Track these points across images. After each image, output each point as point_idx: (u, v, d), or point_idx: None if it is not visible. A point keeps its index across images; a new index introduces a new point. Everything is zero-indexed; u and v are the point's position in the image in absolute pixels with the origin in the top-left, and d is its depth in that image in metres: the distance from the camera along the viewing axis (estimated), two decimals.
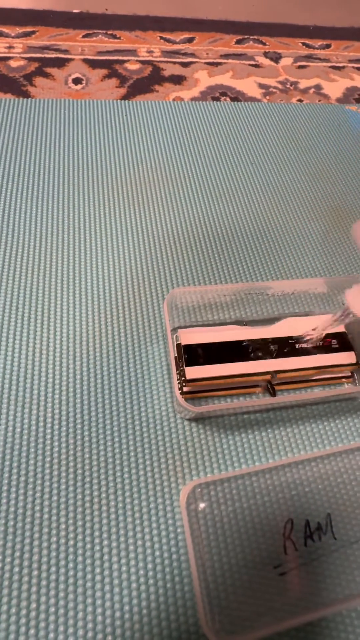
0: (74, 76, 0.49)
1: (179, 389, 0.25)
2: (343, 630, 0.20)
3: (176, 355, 0.26)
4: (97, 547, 0.21)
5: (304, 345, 0.27)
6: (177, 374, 0.25)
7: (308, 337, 0.27)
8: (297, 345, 0.27)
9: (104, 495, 0.22)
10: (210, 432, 0.25)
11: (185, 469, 0.24)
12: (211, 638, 0.19)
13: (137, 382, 0.26)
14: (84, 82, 0.48)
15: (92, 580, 0.20)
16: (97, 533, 0.21)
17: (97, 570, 0.20)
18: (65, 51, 0.53)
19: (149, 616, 0.20)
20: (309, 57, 0.61)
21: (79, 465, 0.23)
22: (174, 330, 0.27)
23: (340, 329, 0.28)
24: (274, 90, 0.54)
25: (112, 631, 0.19)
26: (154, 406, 0.26)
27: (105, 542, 0.21)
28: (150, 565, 0.21)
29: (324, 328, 0.26)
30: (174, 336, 0.27)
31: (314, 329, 0.27)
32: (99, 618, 0.19)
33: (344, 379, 0.27)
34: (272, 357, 0.26)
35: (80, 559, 0.21)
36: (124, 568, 0.21)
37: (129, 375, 0.27)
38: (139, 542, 0.21)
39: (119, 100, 0.46)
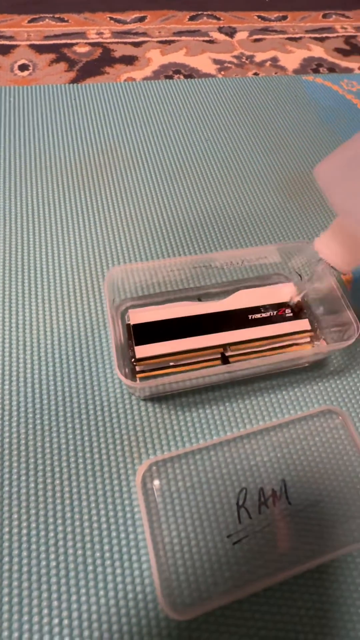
0: (20, 63, 0.47)
1: (131, 368, 0.24)
2: (304, 591, 0.20)
3: (126, 335, 0.25)
4: (52, 534, 0.21)
5: (259, 316, 0.26)
6: (130, 353, 0.24)
7: (289, 302, 0.27)
8: (250, 317, 0.26)
9: (57, 482, 0.22)
10: (167, 410, 0.25)
11: (141, 449, 0.23)
12: (169, 613, 0.19)
13: (90, 367, 0.26)
14: (30, 68, 0.47)
15: (47, 567, 0.20)
16: (51, 520, 0.21)
17: (52, 556, 0.20)
18: (11, 37, 0.51)
19: (106, 597, 0.19)
20: (264, 30, 0.60)
21: (31, 454, 0.23)
22: (125, 310, 0.27)
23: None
24: (229, 65, 0.52)
25: (68, 615, 0.19)
26: (107, 389, 0.25)
27: (60, 528, 0.21)
28: (106, 547, 0.20)
29: (299, 292, 0.26)
30: (125, 316, 0.26)
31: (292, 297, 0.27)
32: (55, 603, 0.19)
33: (301, 346, 0.27)
34: (225, 331, 0.26)
35: (34, 547, 0.20)
36: (79, 552, 0.20)
37: (82, 360, 0.26)
38: (95, 525, 0.21)
39: (67, 85, 0.45)
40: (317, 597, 0.20)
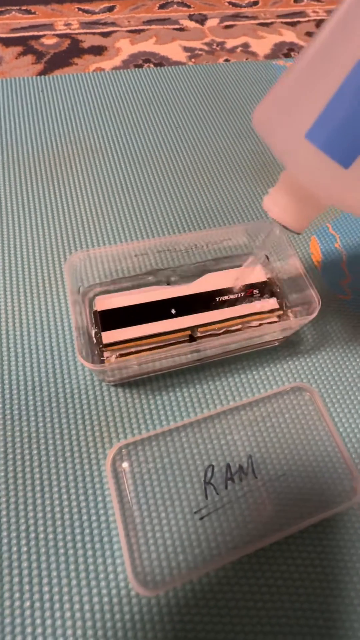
0: None
1: (100, 354, 0.24)
2: (272, 562, 0.20)
3: (94, 322, 0.25)
4: (22, 520, 0.21)
5: (226, 297, 0.27)
6: (96, 338, 0.24)
7: (233, 287, 0.26)
8: (218, 299, 0.27)
9: (27, 469, 0.22)
10: (137, 394, 0.25)
11: (112, 433, 0.23)
12: (139, 590, 0.19)
13: (59, 356, 0.26)
14: None
15: (18, 552, 0.20)
16: (21, 507, 0.21)
17: (23, 542, 0.20)
18: None
19: (78, 578, 0.19)
20: (236, 16, 0.60)
21: (1, 443, 0.23)
22: (93, 297, 0.27)
23: (262, 278, 0.28)
24: (200, 52, 0.52)
25: (39, 597, 0.19)
26: (78, 377, 0.25)
27: (31, 514, 0.21)
28: (77, 530, 0.21)
29: (243, 277, 0.26)
30: (92, 303, 0.26)
31: (236, 279, 0.27)
32: (26, 587, 0.19)
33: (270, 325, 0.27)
34: (193, 313, 0.26)
35: (4, 533, 0.20)
36: (50, 536, 0.20)
37: (51, 349, 0.26)
38: (66, 510, 0.21)
39: (34, 77, 0.44)
40: (286, 567, 0.20)
